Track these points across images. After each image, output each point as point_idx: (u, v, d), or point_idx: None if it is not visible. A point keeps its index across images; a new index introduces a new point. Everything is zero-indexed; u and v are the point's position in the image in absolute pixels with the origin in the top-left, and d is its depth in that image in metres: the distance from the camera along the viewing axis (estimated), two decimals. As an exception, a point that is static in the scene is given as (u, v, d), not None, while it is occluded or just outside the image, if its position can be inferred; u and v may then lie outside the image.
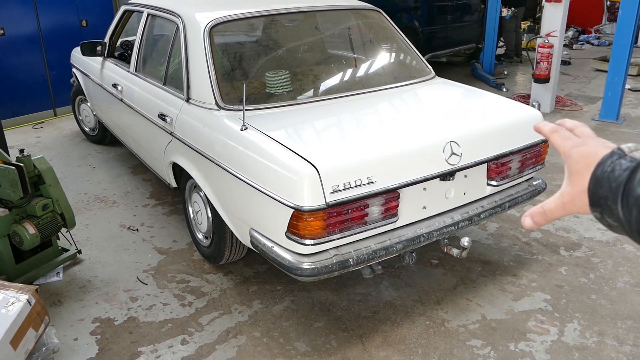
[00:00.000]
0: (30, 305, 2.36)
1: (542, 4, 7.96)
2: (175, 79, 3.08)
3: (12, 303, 2.33)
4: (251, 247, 2.49)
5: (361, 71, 3.25)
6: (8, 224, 2.77)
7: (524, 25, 10.02)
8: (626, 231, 0.58)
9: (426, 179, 2.38)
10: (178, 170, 3.13)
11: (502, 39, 8.65)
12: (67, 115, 5.89)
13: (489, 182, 2.66)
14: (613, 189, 0.57)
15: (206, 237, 3.03)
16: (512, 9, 8.18)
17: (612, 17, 10.89)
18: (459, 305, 2.68)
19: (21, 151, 2.82)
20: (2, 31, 5.32)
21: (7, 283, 2.44)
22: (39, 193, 2.88)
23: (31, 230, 2.77)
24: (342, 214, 2.19)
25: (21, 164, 2.70)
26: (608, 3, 11.26)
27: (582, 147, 0.65)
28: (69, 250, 3.17)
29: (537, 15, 11.13)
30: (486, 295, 2.76)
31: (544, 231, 3.38)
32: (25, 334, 2.31)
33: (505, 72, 7.78)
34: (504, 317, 2.61)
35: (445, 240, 2.61)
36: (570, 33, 10.34)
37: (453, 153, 2.43)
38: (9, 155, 3.01)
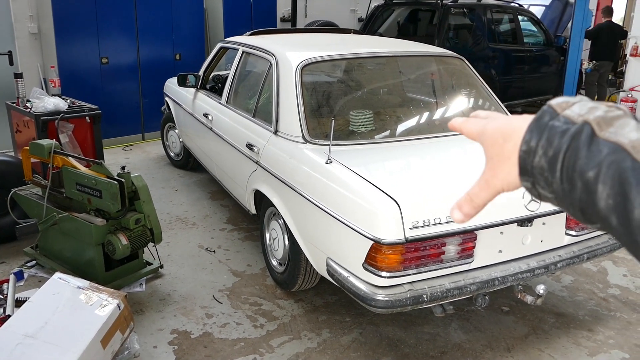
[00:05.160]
0: (119, 309, 2.55)
1: (626, 58, 7.81)
2: (264, 112, 3.29)
3: (105, 305, 2.53)
4: (326, 275, 2.58)
5: (442, 115, 3.35)
6: (104, 234, 3.01)
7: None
8: (562, 204, 0.52)
9: (504, 223, 2.41)
10: (258, 198, 3.30)
11: (581, 91, 8.51)
12: (154, 140, 6.31)
13: (568, 231, 2.64)
14: (549, 158, 0.50)
15: (280, 264, 3.15)
16: (594, 62, 8.06)
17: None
18: (530, 355, 2.64)
19: (122, 168, 3.09)
20: (106, 60, 5.84)
21: (101, 287, 2.65)
22: (132, 208, 3.13)
23: (124, 241, 3.00)
24: (420, 250, 2.26)
25: (122, 180, 2.96)
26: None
27: (495, 121, 0.60)
28: (152, 264, 3.39)
29: (618, 69, 10.86)
30: (559, 347, 2.70)
31: (623, 288, 3.27)
32: (113, 335, 2.49)
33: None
34: (577, 372, 2.54)
35: (520, 286, 2.60)
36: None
37: (532, 199, 2.45)
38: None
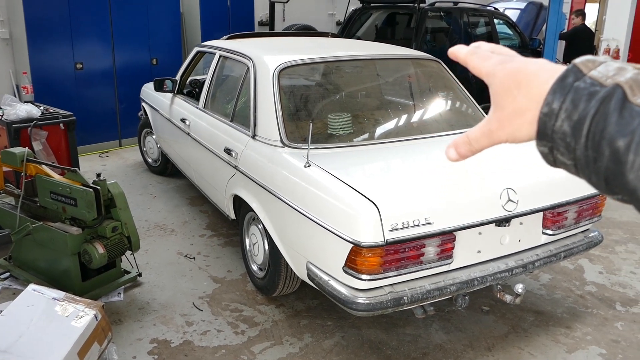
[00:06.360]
0: (96, 320, 2.50)
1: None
2: (242, 117, 3.27)
3: (81, 317, 2.47)
4: (307, 279, 2.57)
5: (419, 117, 3.36)
6: (80, 243, 2.95)
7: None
8: (583, 172, 0.48)
9: (482, 224, 2.42)
10: (237, 203, 3.27)
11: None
12: (131, 147, 6.23)
13: (545, 231, 2.67)
14: (574, 123, 0.46)
15: (261, 269, 3.13)
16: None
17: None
18: (510, 354, 2.66)
19: (98, 175, 3.04)
20: (81, 65, 5.76)
21: (77, 298, 2.60)
22: (109, 215, 3.07)
23: (100, 250, 2.94)
24: (399, 252, 2.26)
25: (98, 187, 2.91)
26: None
27: (507, 63, 0.54)
28: (130, 272, 3.33)
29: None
30: (539, 345, 2.73)
31: (599, 285, 3.32)
32: (90, 347, 2.44)
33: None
34: (557, 369, 2.57)
35: (499, 286, 2.62)
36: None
37: (509, 200, 2.47)
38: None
